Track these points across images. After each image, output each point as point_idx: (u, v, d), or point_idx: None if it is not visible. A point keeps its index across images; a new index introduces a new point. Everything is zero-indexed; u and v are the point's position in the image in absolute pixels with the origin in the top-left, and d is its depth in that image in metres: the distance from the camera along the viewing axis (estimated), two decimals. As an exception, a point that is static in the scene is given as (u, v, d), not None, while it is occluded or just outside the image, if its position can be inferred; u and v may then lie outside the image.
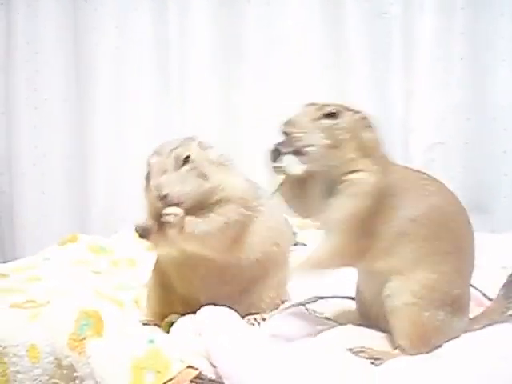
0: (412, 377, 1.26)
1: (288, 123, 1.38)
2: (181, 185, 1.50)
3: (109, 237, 2.55)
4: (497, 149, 2.83)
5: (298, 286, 1.76)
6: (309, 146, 1.38)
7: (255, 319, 1.63)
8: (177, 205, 1.49)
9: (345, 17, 2.91)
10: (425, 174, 1.49)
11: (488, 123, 2.83)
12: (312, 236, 2.37)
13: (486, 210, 2.83)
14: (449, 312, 1.38)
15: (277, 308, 1.68)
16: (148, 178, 1.55)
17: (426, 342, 1.36)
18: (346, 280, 1.63)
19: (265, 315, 1.65)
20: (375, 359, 1.36)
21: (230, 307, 1.53)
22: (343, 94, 2.91)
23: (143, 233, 1.55)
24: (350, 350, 1.39)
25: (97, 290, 1.75)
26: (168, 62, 3.09)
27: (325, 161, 1.40)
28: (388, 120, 2.87)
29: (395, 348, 1.39)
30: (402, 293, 1.37)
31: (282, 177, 1.50)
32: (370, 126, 1.42)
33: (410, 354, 1.35)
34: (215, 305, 1.51)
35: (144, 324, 1.63)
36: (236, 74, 3.03)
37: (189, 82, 3.07)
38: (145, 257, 2.19)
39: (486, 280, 1.69)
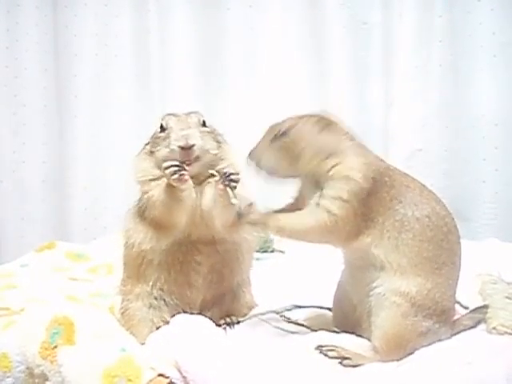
0: (381, 381, 1.26)
1: (249, 155, 1.47)
2: (202, 141, 1.53)
3: (88, 244, 2.54)
4: (476, 156, 2.85)
5: (273, 294, 1.76)
6: (271, 169, 1.45)
7: (230, 321, 1.64)
8: (197, 159, 1.51)
9: (325, 25, 2.92)
10: (415, 178, 1.51)
11: (467, 131, 2.86)
12: (289, 244, 2.37)
13: (465, 217, 2.85)
14: (436, 322, 1.39)
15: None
16: (164, 136, 1.57)
17: (402, 348, 1.37)
18: (323, 290, 1.63)
19: (240, 318, 1.65)
20: (344, 359, 1.37)
21: (206, 314, 1.53)
22: (323, 101, 2.92)
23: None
24: (320, 347, 1.39)
25: (72, 297, 1.74)
26: (149, 68, 3.08)
27: (293, 173, 1.47)
28: (368, 127, 2.88)
29: (369, 351, 1.39)
30: (393, 293, 1.38)
31: None
32: (324, 127, 1.44)
33: (381, 360, 1.35)
34: (191, 313, 1.51)
35: None
36: (217, 81, 3.03)
37: (169, 88, 3.06)
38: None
39: (460, 288, 1.70)
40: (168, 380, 1.28)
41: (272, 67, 2.97)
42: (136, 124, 3.09)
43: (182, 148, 1.50)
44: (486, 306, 1.54)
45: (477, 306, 1.57)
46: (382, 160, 1.48)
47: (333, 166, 1.41)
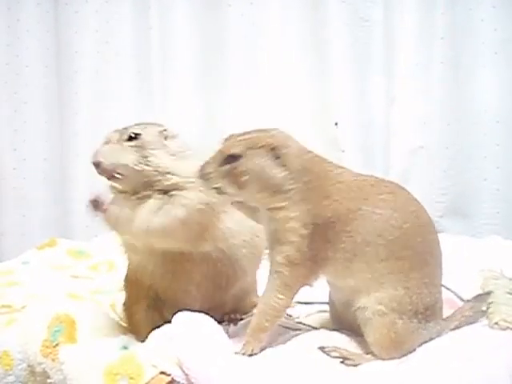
0: (382, 379, 1.26)
1: (201, 167, 1.40)
2: (117, 157, 1.50)
3: (89, 241, 2.54)
4: (477, 154, 2.84)
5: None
6: (220, 192, 1.40)
7: (234, 317, 1.64)
8: (112, 177, 1.51)
9: (326, 22, 2.90)
10: (383, 181, 1.46)
11: (469, 128, 2.85)
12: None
13: (466, 214, 2.85)
14: (422, 318, 1.38)
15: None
16: None
17: (399, 348, 1.37)
18: (324, 286, 1.63)
19: (243, 315, 1.65)
20: (346, 359, 1.37)
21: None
22: (325, 98, 2.92)
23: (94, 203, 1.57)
24: (322, 348, 1.39)
25: (73, 295, 1.74)
26: (149, 65, 3.07)
27: (238, 198, 1.44)
28: (369, 125, 2.88)
29: (368, 353, 1.39)
30: (372, 305, 1.37)
31: None
32: (279, 157, 1.38)
33: (383, 359, 1.36)
34: (192, 311, 1.51)
35: None
36: (218, 78, 3.02)
37: (170, 85, 3.06)
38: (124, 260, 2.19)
39: (462, 283, 1.71)
40: (170, 378, 1.28)
41: (273, 64, 2.95)
42: (137, 121, 3.07)
43: (93, 164, 1.51)
44: (486, 294, 1.54)
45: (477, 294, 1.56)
46: (338, 177, 1.41)
47: (274, 208, 1.38)
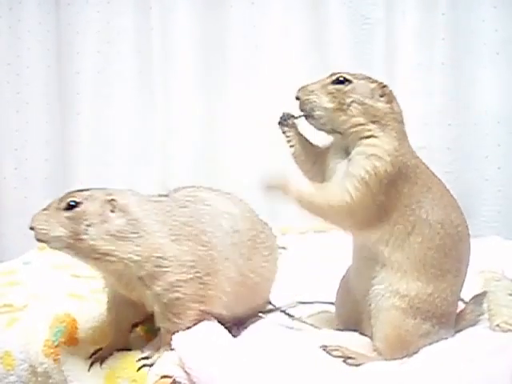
0: (384, 379, 1.26)
1: (300, 89, 1.47)
2: (49, 227, 1.37)
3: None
4: (478, 154, 2.84)
5: (276, 291, 1.76)
6: (315, 109, 1.44)
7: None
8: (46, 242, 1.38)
9: (327, 23, 2.91)
10: (442, 182, 1.50)
11: (470, 129, 2.84)
12: (293, 240, 2.38)
13: (467, 214, 2.82)
14: (436, 324, 1.39)
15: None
16: None
17: (404, 349, 1.37)
18: (325, 286, 1.63)
19: None
20: (348, 358, 1.37)
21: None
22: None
23: None
24: (325, 347, 1.39)
25: (74, 294, 1.74)
26: (151, 66, 3.08)
27: (333, 124, 1.45)
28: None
29: (373, 351, 1.39)
30: (392, 295, 1.38)
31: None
32: (384, 96, 1.44)
33: (385, 359, 1.35)
34: None
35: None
36: (219, 79, 3.02)
37: (172, 86, 3.06)
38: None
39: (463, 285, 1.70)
40: (172, 379, 1.28)
41: (274, 64, 2.96)
42: (138, 121, 3.09)
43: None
44: (483, 294, 1.55)
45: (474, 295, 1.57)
46: (415, 156, 1.46)
47: (370, 136, 1.41)
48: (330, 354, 1.39)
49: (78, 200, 1.39)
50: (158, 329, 1.42)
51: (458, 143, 2.86)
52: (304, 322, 1.63)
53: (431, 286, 1.38)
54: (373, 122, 1.41)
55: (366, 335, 1.46)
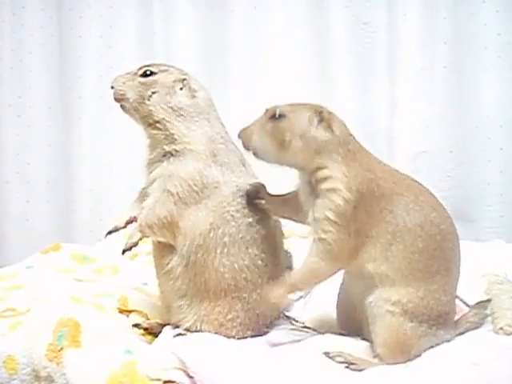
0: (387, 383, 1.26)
1: (241, 131, 1.44)
2: (125, 88, 1.55)
3: (93, 245, 2.54)
4: (481, 158, 2.84)
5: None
6: (258, 151, 1.42)
7: None
8: (121, 100, 1.57)
9: (329, 26, 2.91)
10: (417, 182, 1.48)
11: (472, 132, 2.85)
12: (296, 243, 2.37)
13: (469, 218, 2.84)
14: (433, 325, 1.38)
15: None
16: None
17: (406, 352, 1.37)
18: (328, 290, 1.62)
19: None
20: (351, 364, 1.36)
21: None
22: (327, 102, 2.90)
23: None
24: (327, 353, 1.39)
25: (77, 298, 1.74)
26: (153, 70, 3.08)
27: (280, 162, 1.43)
28: (372, 129, 2.88)
29: (374, 357, 1.39)
30: (384, 303, 1.37)
31: None
32: (322, 121, 1.40)
33: (388, 364, 1.35)
34: None
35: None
36: (221, 83, 3.02)
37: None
38: (128, 264, 2.19)
39: (466, 288, 1.70)
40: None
41: (276, 69, 2.96)
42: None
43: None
44: (488, 300, 1.54)
45: (479, 300, 1.56)
46: (372, 168, 1.42)
47: (318, 168, 1.39)
48: (332, 359, 1.38)
49: (153, 70, 1.56)
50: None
51: (460, 147, 2.86)
52: (307, 326, 1.63)
53: (422, 289, 1.37)
54: (317, 153, 1.38)
55: (367, 340, 1.46)
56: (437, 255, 1.38)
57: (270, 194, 1.55)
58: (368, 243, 1.38)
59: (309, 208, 1.42)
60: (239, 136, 1.45)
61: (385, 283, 1.38)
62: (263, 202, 1.54)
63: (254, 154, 1.43)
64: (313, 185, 1.41)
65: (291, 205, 1.51)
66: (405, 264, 1.37)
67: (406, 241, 1.37)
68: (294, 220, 1.55)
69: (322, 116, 1.40)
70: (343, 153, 1.39)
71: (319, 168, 1.39)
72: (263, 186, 1.57)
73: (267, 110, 1.44)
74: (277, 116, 1.41)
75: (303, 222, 1.49)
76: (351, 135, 1.45)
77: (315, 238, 1.40)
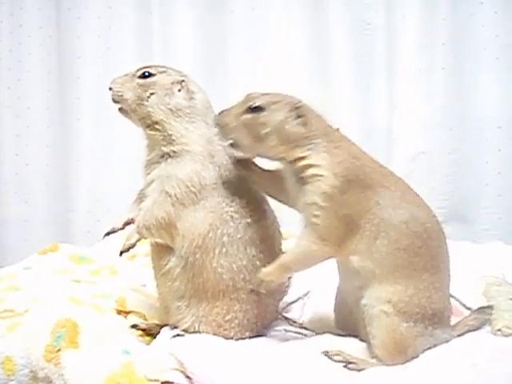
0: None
1: (219, 114, 1.45)
2: (123, 89, 1.56)
3: (91, 246, 2.53)
4: (479, 159, 2.85)
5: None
6: (235, 142, 1.42)
7: None
8: (119, 101, 1.58)
9: (328, 28, 2.92)
10: (400, 179, 1.48)
11: (470, 134, 2.85)
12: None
13: (467, 220, 2.85)
14: (429, 325, 1.38)
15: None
16: None
17: (403, 353, 1.37)
18: (327, 291, 1.62)
19: None
20: (349, 363, 1.36)
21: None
22: (326, 103, 2.92)
23: None
24: (326, 352, 1.39)
25: (75, 299, 1.73)
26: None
27: (257, 153, 1.45)
28: (371, 130, 2.89)
29: (372, 357, 1.39)
30: (376, 303, 1.37)
31: None
32: (300, 117, 1.40)
33: (387, 364, 1.35)
34: None
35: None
36: (220, 84, 3.02)
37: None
38: (127, 265, 2.19)
39: (464, 289, 1.70)
40: (172, 384, 1.28)
41: (275, 70, 2.96)
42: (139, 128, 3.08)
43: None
44: (490, 307, 1.54)
45: (481, 305, 1.56)
46: (360, 157, 1.42)
47: (298, 159, 1.39)
48: (331, 358, 1.38)
49: (152, 71, 1.57)
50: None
51: (459, 148, 2.87)
52: (304, 327, 1.63)
53: (411, 287, 1.37)
54: (295, 146, 1.39)
55: (365, 341, 1.46)
56: (422, 253, 1.38)
57: (259, 167, 1.55)
58: (355, 233, 1.37)
59: (297, 194, 1.42)
60: (216, 121, 1.46)
61: (371, 280, 1.38)
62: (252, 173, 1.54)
63: (232, 145, 1.44)
64: (297, 174, 1.41)
65: (277, 184, 1.50)
66: (389, 260, 1.37)
67: (391, 236, 1.36)
68: (277, 199, 1.55)
69: (300, 112, 1.40)
70: (323, 142, 1.40)
71: (299, 159, 1.39)
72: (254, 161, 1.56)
73: (246, 98, 1.43)
74: (253, 108, 1.40)
75: (286, 203, 1.51)
76: (331, 127, 1.45)
77: (306, 223, 1.40)
